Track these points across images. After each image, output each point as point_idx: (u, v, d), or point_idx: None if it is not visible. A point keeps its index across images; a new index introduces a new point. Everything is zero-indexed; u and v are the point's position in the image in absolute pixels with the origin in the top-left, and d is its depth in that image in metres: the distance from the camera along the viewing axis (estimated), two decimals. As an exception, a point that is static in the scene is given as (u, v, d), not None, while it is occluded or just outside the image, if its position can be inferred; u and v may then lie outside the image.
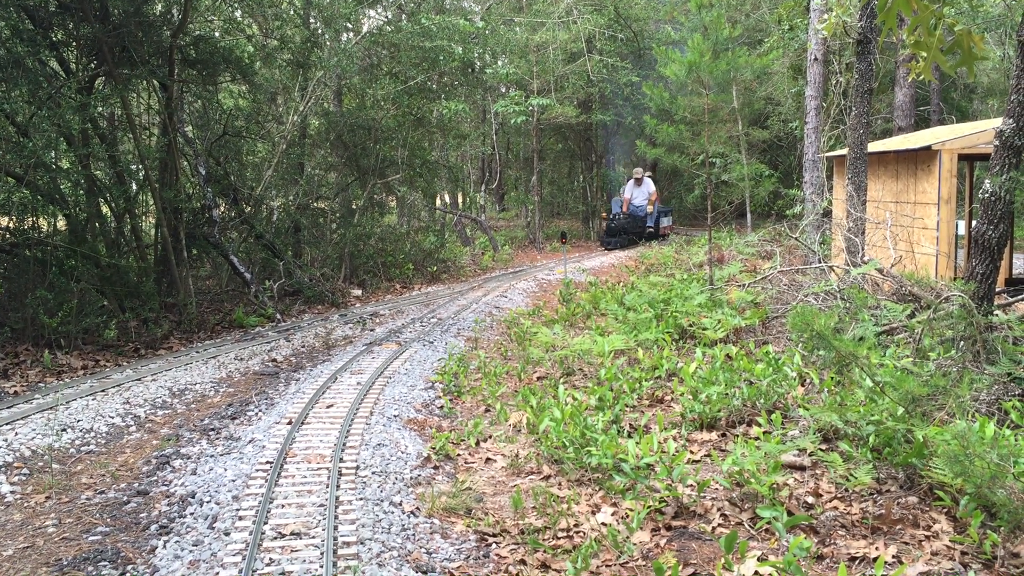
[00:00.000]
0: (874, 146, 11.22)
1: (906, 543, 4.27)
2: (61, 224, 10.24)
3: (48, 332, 8.95)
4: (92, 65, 10.13)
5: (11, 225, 9.48)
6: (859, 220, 9.29)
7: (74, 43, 10.14)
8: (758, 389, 6.40)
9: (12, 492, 5.38)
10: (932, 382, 5.17)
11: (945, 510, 4.56)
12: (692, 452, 5.73)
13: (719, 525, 4.58)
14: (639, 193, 23.56)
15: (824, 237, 12.08)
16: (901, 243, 10.32)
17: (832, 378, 6.26)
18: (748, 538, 4.40)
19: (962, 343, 6.30)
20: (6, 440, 6.21)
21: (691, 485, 4.97)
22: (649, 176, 26.47)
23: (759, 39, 20.26)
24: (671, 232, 25.26)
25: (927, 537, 4.32)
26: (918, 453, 4.77)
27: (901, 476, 4.94)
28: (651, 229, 23.47)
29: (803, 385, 6.76)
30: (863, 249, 9.23)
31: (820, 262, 9.93)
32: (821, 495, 4.87)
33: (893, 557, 4.12)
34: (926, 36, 3.94)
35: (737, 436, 5.92)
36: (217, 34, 11.96)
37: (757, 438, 5.53)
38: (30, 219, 9.55)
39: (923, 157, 10.06)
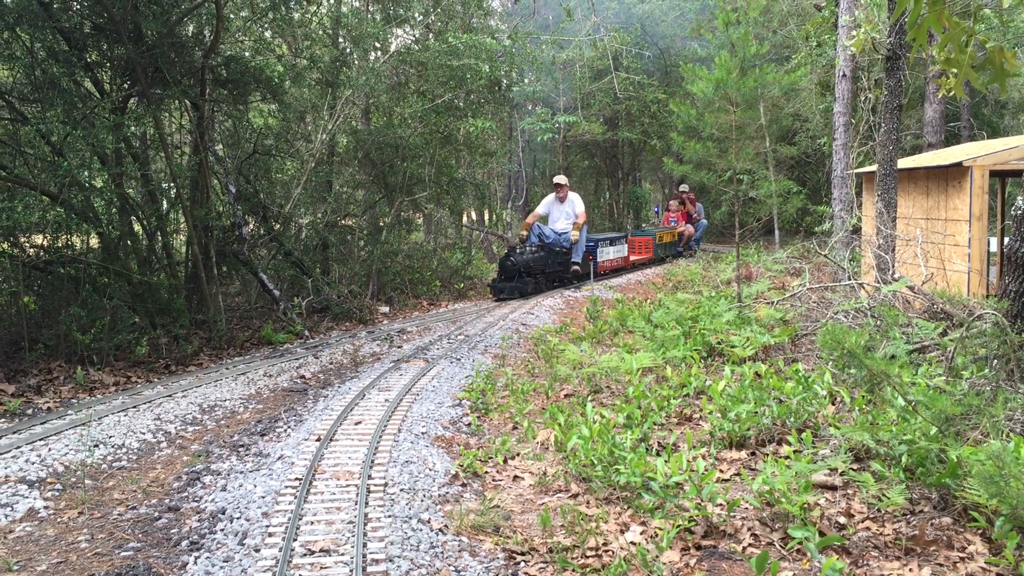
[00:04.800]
0: (904, 162, 11.15)
1: (940, 565, 4.21)
2: (94, 242, 10.39)
3: (81, 348, 9.06)
4: (126, 85, 10.30)
5: (45, 243, 9.63)
6: (889, 237, 9.22)
7: (108, 64, 10.31)
8: (788, 407, 6.35)
9: (45, 507, 5.44)
10: (965, 401, 5.11)
11: (980, 531, 4.49)
12: (721, 471, 5.69)
13: (750, 545, 4.54)
14: (559, 212, 16.02)
15: (854, 254, 12.00)
16: (932, 260, 10.22)
17: (863, 397, 6.20)
18: (779, 559, 4.35)
19: (995, 362, 6.22)
20: (40, 456, 6.29)
21: (721, 504, 4.94)
22: (683, 193, 23.07)
23: (786, 56, 20.23)
24: (626, 267, 18.98)
25: (962, 559, 4.26)
26: (952, 473, 4.71)
27: (934, 496, 4.88)
28: (576, 267, 16.21)
29: (834, 404, 6.71)
30: (893, 266, 9.15)
31: (850, 279, 9.86)
32: (853, 515, 4.82)
33: (927, 579, 4.07)
34: (957, 53, 3.92)
35: (767, 455, 5.87)
36: (248, 54, 12.10)
37: (787, 457, 5.48)
38: (64, 237, 9.69)
39: (954, 173, 9.98)
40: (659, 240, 20.68)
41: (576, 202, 15.92)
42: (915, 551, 4.36)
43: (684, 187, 23.72)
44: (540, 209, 16.24)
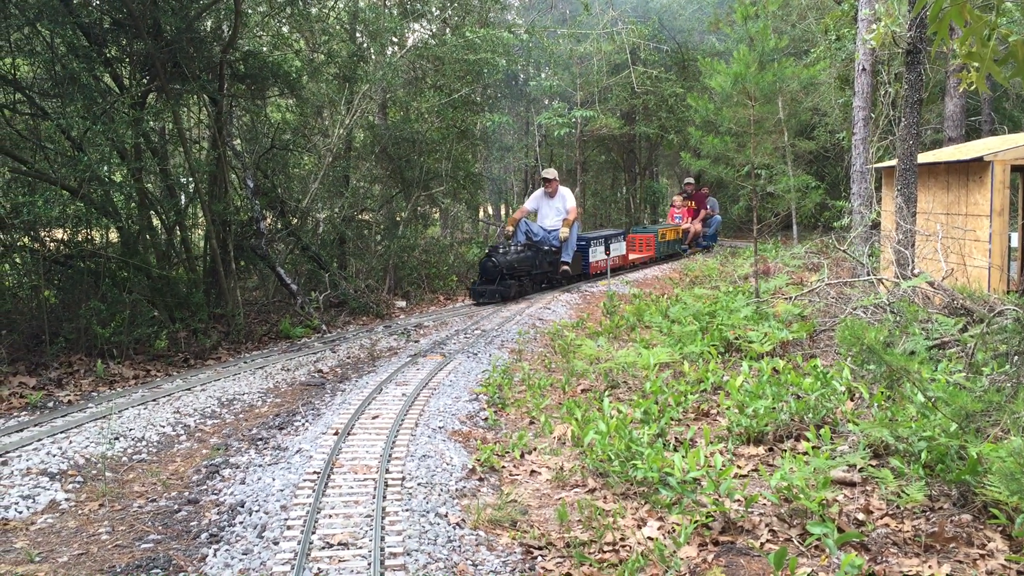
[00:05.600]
0: (924, 157, 11.06)
1: (960, 562, 4.19)
2: (114, 236, 10.45)
3: (101, 342, 9.12)
4: (145, 81, 10.35)
5: (65, 237, 9.70)
6: (909, 232, 9.15)
7: (128, 59, 10.36)
8: (806, 403, 6.33)
9: (67, 499, 5.49)
10: (986, 397, 5.08)
11: (1000, 528, 4.47)
12: (739, 467, 5.68)
13: (767, 541, 4.53)
14: (549, 208, 14.96)
15: (873, 249, 11.92)
16: (952, 256, 10.15)
17: (882, 393, 6.17)
18: (798, 555, 4.34)
19: (1016, 358, 6.17)
20: (61, 448, 6.35)
21: (738, 500, 4.93)
22: (688, 186, 22.26)
23: (805, 50, 20.09)
24: (624, 266, 17.59)
25: (982, 556, 4.24)
26: (972, 470, 4.68)
27: (954, 493, 4.85)
28: (567, 267, 14.91)
29: (852, 400, 6.67)
30: (913, 262, 9.09)
31: (869, 275, 9.80)
32: (872, 512, 4.80)
33: (947, 576, 4.05)
34: (979, 46, 3.88)
35: (785, 451, 5.86)
36: (266, 49, 12.16)
37: (805, 453, 5.46)
38: (84, 231, 9.76)
39: (975, 168, 9.89)
40: (661, 238, 19.53)
41: (567, 197, 14.89)
42: (935, 548, 4.34)
43: (689, 180, 22.73)
44: (528, 204, 15.26)
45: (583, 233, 16.70)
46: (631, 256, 18.25)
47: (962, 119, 16.21)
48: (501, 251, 13.68)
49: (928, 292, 8.63)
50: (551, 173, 15.05)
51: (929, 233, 10.43)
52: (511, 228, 14.54)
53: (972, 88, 5.33)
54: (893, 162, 10.72)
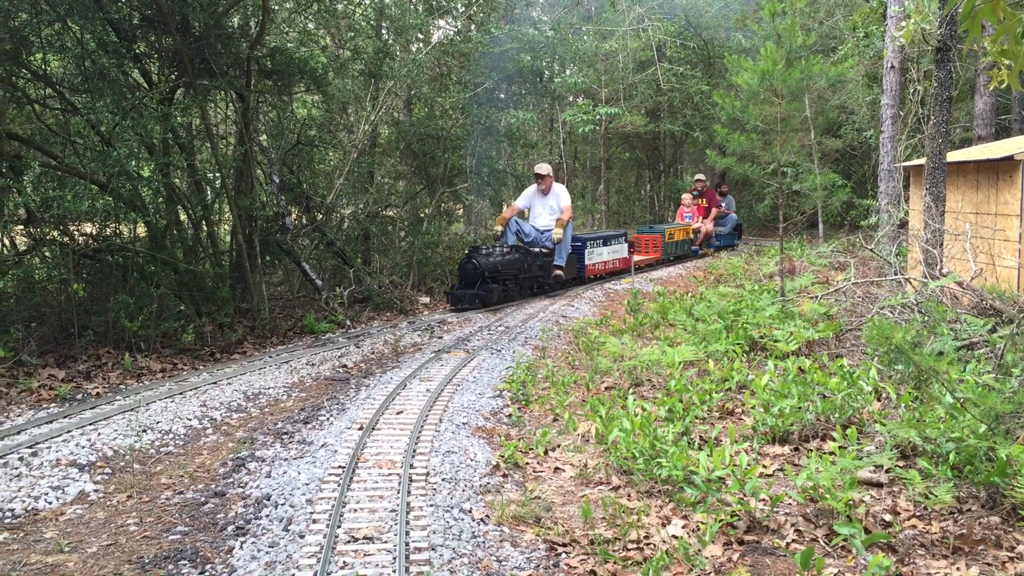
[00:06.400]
0: (953, 156, 10.95)
1: (988, 564, 4.15)
2: (141, 231, 10.54)
3: (129, 335, 9.21)
4: (173, 76, 10.43)
5: (94, 231, 9.80)
6: (937, 231, 9.06)
7: (156, 55, 10.45)
8: (832, 403, 6.28)
9: (95, 491, 5.55)
10: (1016, 399, 5.02)
11: (1030, 531, 4.43)
12: (764, 466, 5.65)
13: (793, 541, 4.50)
14: (542, 207, 13.83)
15: (900, 249, 11.81)
16: (981, 255, 10.04)
17: (910, 393, 6.12)
18: (824, 555, 4.32)
19: (1047, 359, 6.11)
20: (89, 440, 6.42)
21: (764, 499, 4.90)
22: (699, 183, 21.06)
23: (833, 47, 19.93)
24: (625, 269, 16.34)
25: (1010, 558, 4.20)
26: (1001, 472, 4.64)
27: (983, 495, 4.80)
28: (560, 271, 13.67)
29: (879, 400, 6.62)
30: (941, 261, 9.00)
31: (896, 274, 9.71)
32: (899, 513, 4.76)
33: (975, 579, 4.01)
34: (1012, 44, 3.83)
35: (811, 451, 5.82)
36: (292, 46, 12.22)
37: (832, 453, 5.43)
38: (112, 226, 9.85)
39: (1005, 167, 9.78)
40: (669, 238, 18.39)
41: (561, 195, 13.63)
42: (963, 550, 4.30)
43: (700, 177, 21.77)
44: (519, 202, 14.14)
45: (581, 234, 15.70)
46: (635, 258, 17.09)
47: (992, 117, 16.04)
48: (484, 252, 12.54)
49: (956, 292, 8.54)
50: (544, 168, 13.77)
51: (958, 232, 10.32)
52: (500, 227, 13.39)
53: (1003, 86, 5.25)
54: (921, 160, 10.61)
